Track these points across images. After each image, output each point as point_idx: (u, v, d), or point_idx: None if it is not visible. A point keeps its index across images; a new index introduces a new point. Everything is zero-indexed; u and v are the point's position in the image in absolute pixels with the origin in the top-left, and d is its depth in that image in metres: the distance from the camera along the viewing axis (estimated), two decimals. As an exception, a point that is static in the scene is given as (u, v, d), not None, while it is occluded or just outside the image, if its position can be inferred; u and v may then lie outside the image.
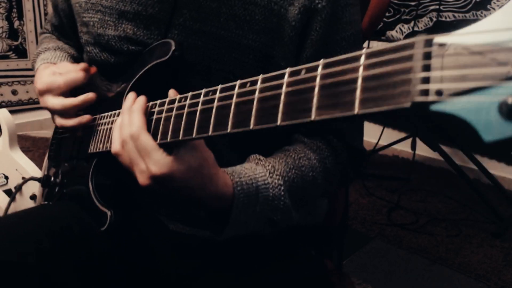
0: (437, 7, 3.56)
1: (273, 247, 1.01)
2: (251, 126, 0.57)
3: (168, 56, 0.90)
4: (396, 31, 3.84)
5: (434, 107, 0.37)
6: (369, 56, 0.43)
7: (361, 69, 0.43)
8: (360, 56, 0.44)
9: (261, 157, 0.89)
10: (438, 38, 0.38)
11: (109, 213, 0.92)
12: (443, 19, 3.56)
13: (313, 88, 0.48)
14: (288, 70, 0.53)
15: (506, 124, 0.34)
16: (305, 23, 0.93)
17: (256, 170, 0.86)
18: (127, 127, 0.78)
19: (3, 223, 0.94)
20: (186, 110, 0.70)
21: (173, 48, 0.90)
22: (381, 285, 2.30)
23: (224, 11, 0.93)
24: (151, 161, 0.74)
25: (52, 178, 1.16)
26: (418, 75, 0.38)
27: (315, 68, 0.49)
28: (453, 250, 2.60)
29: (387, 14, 3.81)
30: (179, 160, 0.73)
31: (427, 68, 0.38)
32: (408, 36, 3.74)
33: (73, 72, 1.02)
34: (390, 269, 2.42)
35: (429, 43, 0.38)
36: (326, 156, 0.97)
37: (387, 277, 2.36)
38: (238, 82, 0.61)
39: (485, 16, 3.30)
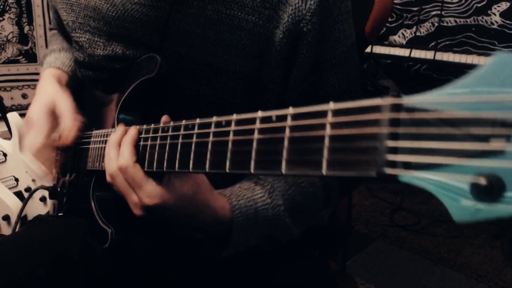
0: (439, 12, 3.48)
1: (277, 249, 0.97)
2: (227, 170, 0.54)
3: (154, 73, 0.86)
4: (399, 36, 3.76)
5: (403, 178, 0.32)
6: (336, 113, 0.38)
7: (328, 127, 0.38)
8: (327, 111, 0.38)
9: (260, 176, 0.85)
10: (407, 101, 0.32)
11: (109, 231, 0.87)
12: (445, 24, 3.49)
13: (282, 139, 0.44)
14: (259, 115, 0.48)
15: (478, 206, 0.28)
16: (291, 47, 0.87)
17: (255, 191, 0.82)
18: (114, 161, 0.74)
19: None
20: (168, 141, 0.68)
21: (159, 64, 0.85)
22: (384, 285, 2.27)
23: (210, 37, 0.87)
24: (142, 193, 0.70)
25: (59, 189, 1.12)
26: (385, 144, 0.32)
27: (284, 117, 0.44)
28: (455, 251, 2.55)
29: (389, 19, 3.74)
30: (170, 189, 0.70)
31: (394, 136, 0.32)
32: (410, 41, 3.67)
33: (65, 131, 0.97)
34: (392, 270, 2.39)
35: (396, 108, 0.32)
36: None
37: (390, 277, 2.33)
38: (214, 120, 0.58)
39: (486, 21, 3.23)
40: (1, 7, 3.14)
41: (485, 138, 0.28)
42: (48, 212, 1.20)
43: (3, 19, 3.14)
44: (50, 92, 1.02)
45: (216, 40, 0.87)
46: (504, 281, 2.29)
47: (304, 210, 0.89)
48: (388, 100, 0.33)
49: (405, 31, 3.74)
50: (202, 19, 0.87)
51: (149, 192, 0.70)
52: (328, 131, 0.38)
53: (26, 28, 3.24)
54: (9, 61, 3.23)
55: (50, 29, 1.33)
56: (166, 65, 0.87)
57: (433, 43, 3.45)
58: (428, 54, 3.02)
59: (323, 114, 0.39)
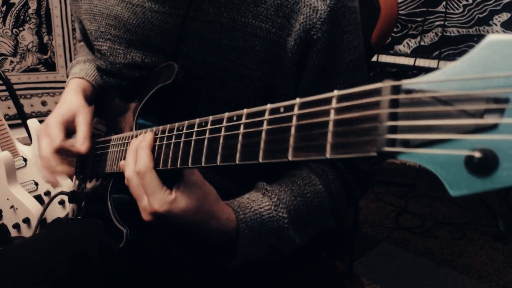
0: (442, 22, 3.48)
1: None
2: (237, 161, 0.54)
3: (172, 80, 0.87)
4: (403, 46, 3.76)
5: (401, 157, 0.33)
6: (340, 99, 0.39)
7: (332, 112, 0.39)
8: (331, 98, 0.39)
9: (268, 187, 0.86)
10: (406, 84, 0.33)
11: (125, 231, 0.88)
12: (448, 34, 3.48)
13: (289, 128, 0.45)
14: (268, 107, 0.50)
15: (473, 179, 0.29)
16: (302, 54, 0.88)
17: (262, 203, 0.83)
18: (131, 166, 0.75)
19: (16, 251, 0.88)
20: (183, 139, 0.68)
21: (176, 71, 0.87)
22: (389, 285, 2.27)
23: (226, 43, 0.89)
24: (153, 198, 0.71)
25: (79, 194, 1.13)
26: (385, 124, 0.33)
27: (292, 107, 0.45)
28: (457, 252, 2.54)
29: (395, 30, 3.74)
30: (179, 198, 0.70)
31: (394, 116, 0.33)
32: (415, 50, 3.67)
33: (77, 143, 0.98)
34: (397, 270, 2.38)
35: (396, 89, 0.33)
36: (331, 180, 0.93)
37: (395, 278, 2.32)
38: (225, 115, 0.59)
39: (488, 31, 3.23)
40: (22, 17, 3.18)
41: (479, 114, 0.29)
42: (67, 215, 1.21)
43: (24, 29, 3.18)
44: (73, 102, 1.04)
45: (231, 46, 0.89)
46: (505, 281, 2.28)
47: (309, 221, 0.90)
48: (388, 83, 0.34)
49: (409, 40, 3.74)
50: (218, 26, 0.89)
51: (160, 199, 0.70)
52: (332, 116, 0.39)
53: (46, 38, 3.28)
54: (29, 70, 3.27)
55: (79, 41, 1.36)
56: (183, 72, 0.88)
57: (436, 52, 3.45)
58: (432, 63, 3.01)
59: (328, 101, 0.40)
